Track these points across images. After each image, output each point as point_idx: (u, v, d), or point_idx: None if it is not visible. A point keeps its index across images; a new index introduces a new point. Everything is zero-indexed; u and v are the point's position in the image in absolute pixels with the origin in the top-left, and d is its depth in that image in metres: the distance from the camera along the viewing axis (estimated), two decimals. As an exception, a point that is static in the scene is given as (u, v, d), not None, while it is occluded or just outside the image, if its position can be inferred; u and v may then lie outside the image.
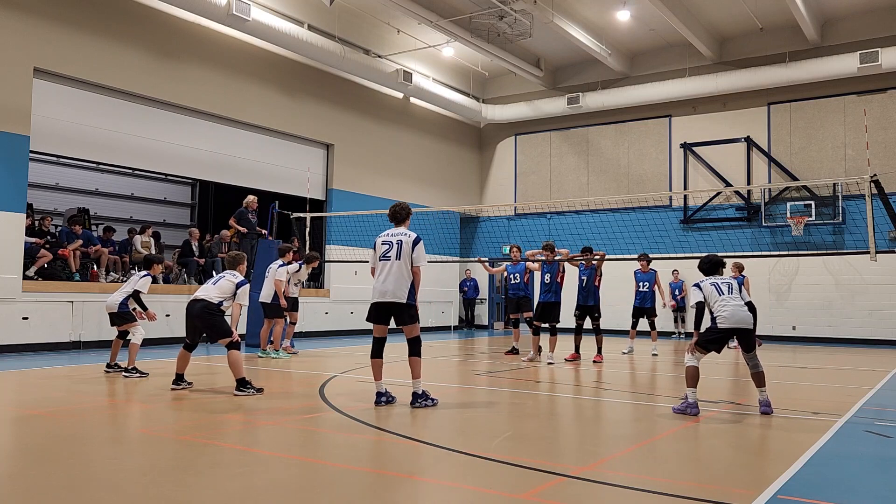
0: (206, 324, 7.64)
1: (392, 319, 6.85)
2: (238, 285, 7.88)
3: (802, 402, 7.72)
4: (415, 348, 6.84)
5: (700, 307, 6.97)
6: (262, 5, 15.58)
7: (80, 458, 4.75)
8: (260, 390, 7.53)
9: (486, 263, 13.15)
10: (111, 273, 13.85)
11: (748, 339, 6.76)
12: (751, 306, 7.24)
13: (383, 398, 6.89)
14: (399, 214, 7.16)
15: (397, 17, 17.67)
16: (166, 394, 7.57)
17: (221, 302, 7.78)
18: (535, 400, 7.84)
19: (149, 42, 14.31)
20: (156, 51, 14.43)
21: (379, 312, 6.84)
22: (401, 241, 6.84)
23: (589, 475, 4.39)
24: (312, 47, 16.45)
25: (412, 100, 20.99)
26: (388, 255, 6.82)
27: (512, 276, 12.63)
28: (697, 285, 7.02)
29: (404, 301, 6.74)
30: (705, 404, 7.31)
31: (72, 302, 12.58)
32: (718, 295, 6.80)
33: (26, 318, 11.99)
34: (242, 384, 7.46)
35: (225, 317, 7.83)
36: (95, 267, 13.45)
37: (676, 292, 18.89)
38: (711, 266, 7.27)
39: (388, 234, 7.00)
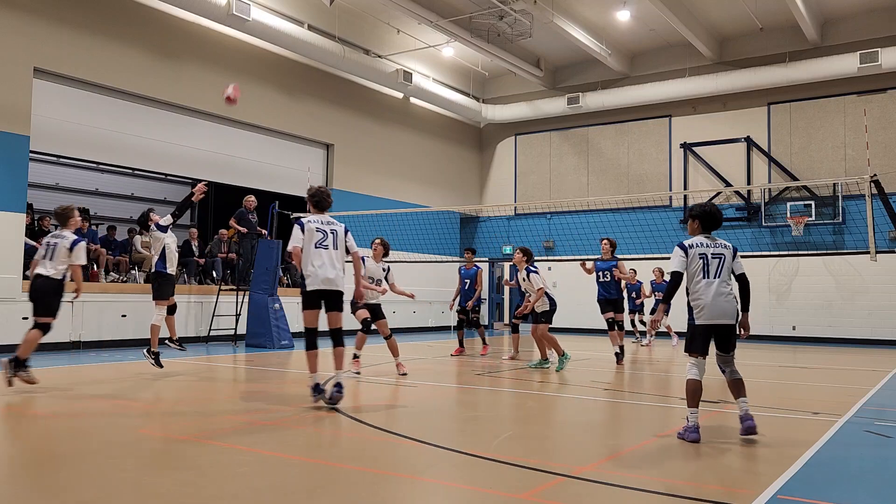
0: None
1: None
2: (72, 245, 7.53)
3: (802, 402, 7.72)
4: (340, 339, 6.83)
5: (677, 279, 5.62)
6: (262, 5, 15.58)
7: (79, 458, 4.75)
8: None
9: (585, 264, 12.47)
10: (111, 273, 13.86)
11: (727, 337, 5.61)
12: (742, 280, 5.75)
13: (321, 391, 6.70)
14: (324, 201, 7.10)
15: (397, 17, 17.67)
16: (166, 394, 7.57)
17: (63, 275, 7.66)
18: (535, 400, 7.84)
19: (149, 42, 14.31)
20: (156, 51, 14.43)
21: (321, 299, 6.75)
22: (335, 230, 6.84)
23: (589, 475, 4.39)
24: (312, 47, 16.46)
25: (412, 100, 20.98)
26: (324, 243, 6.73)
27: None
28: (683, 247, 5.63)
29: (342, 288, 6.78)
30: (706, 404, 7.30)
31: (72, 302, 12.55)
32: (703, 276, 5.55)
33: (26, 318, 11.96)
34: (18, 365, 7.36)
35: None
36: (95, 267, 13.45)
37: (633, 294, 16.05)
38: (708, 219, 5.75)
39: (318, 222, 6.86)
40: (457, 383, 9.18)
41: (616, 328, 11.56)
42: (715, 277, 5.53)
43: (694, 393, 5.52)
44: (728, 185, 19.49)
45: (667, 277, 15.25)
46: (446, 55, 20.51)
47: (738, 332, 5.65)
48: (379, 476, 4.37)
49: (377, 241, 9.96)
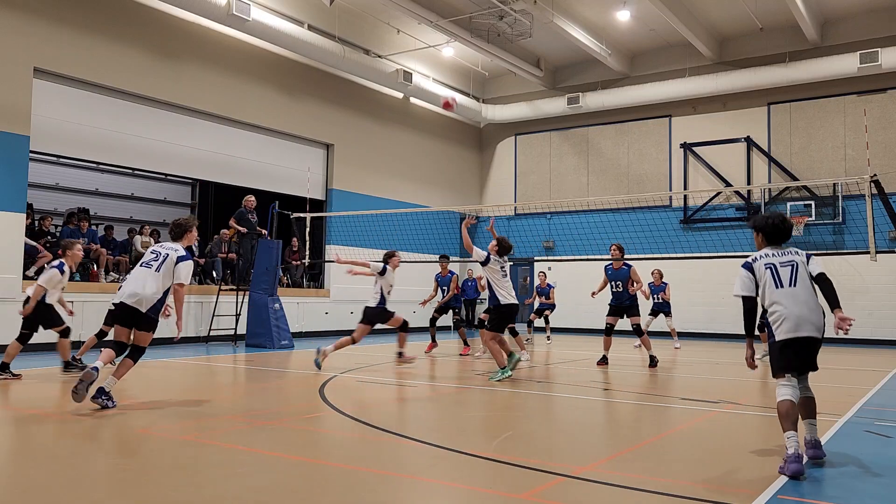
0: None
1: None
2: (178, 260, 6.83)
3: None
4: (136, 356, 6.74)
5: (748, 305, 4.97)
6: (262, 5, 15.58)
7: (80, 458, 4.75)
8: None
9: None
10: (111, 273, 13.85)
11: (808, 353, 4.85)
12: (822, 279, 5.01)
13: (105, 398, 6.39)
14: (174, 231, 7.01)
15: (397, 17, 17.67)
16: (166, 394, 7.57)
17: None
18: (535, 400, 7.84)
19: (149, 42, 14.31)
20: (156, 51, 14.43)
21: (124, 314, 6.65)
22: (168, 254, 6.73)
23: (589, 475, 4.38)
24: (312, 47, 16.46)
25: (412, 100, 20.98)
26: (149, 262, 6.71)
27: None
28: (749, 266, 5.00)
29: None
30: (705, 404, 7.31)
31: (72, 302, 12.54)
32: (775, 286, 4.87)
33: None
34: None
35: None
36: (95, 267, 13.45)
37: (544, 298, 16.15)
38: (775, 231, 5.08)
39: (161, 246, 6.87)
40: (456, 383, 9.17)
41: (639, 333, 11.10)
42: (792, 286, 4.86)
43: (786, 415, 4.62)
44: (728, 185, 19.48)
45: (666, 279, 15.14)
46: (446, 55, 20.50)
47: (839, 330, 4.84)
48: (379, 476, 4.37)
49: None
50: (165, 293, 6.67)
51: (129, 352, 6.69)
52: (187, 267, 6.70)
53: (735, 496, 3.98)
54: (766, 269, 4.94)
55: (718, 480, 4.42)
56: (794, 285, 4.87)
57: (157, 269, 6.61)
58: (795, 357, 4.79)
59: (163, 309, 6.66)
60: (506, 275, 9.56)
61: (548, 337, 16.92)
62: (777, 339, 4.82)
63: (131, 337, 6.71)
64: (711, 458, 5.04)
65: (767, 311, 4.91)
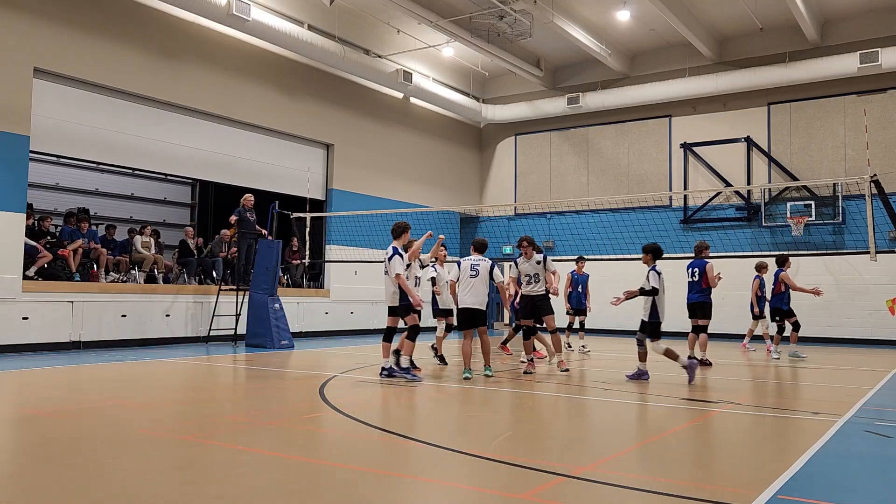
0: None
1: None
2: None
3: (802, 402, 7.72)
4: (411, 334, 9.03)
5: (655, 293, 8.75)
6: (262, 5, 15.58)
7: (80, 458, 4.75)
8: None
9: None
10: (111, 273, 13.85)
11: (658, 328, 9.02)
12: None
13: (401, 372, 8.93)
14: (394, 232, 9.27)
15: (397, 17, 17.67)
16: (166, 394, 7.57)
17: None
18: (535, 400, 7.84)
19: (149, 42, 14.31)
20: (156, 51, 14.43)
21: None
22: (386, 258, 8.95)
23: (589, 475, 4.39)
24: (312, 47, 16.46)
25: (412, 100, 20.99)
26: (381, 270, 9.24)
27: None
28: (658, 272, 8.79)
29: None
30: (705, 404, 7.31)
31: (72, 302, 12.57)
32: (663, 292, 8.91)
33: (26, 318, 11.98)
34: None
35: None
36: (95, 267, 13.45)
37: (579, 288, 14.66)
38: (657, 253, 9.01)
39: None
40: (457, 383, 9.17)
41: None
42: (664, 292, 8.95)
43: (673, 354, 8.82)
44: (728, 185, 19.49)
45: (666, 279, 14.91)
46: (446, 55, 20.51)
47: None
48: (379, 476, 4.37)
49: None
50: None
51: (406, 333, 8.97)
52: (394, 260, 8.68)
53: (735, 496, 3.98)
54: (661, 279, 8.86)
55: (718, 480, 4.42)
56: (664, 292, 8.94)
57: (387, 273, 8.79)
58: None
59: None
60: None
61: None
62: (658, 320, 8.87)
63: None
64: (711, 458, 5.04)
65: (658, 302, 8.85)
